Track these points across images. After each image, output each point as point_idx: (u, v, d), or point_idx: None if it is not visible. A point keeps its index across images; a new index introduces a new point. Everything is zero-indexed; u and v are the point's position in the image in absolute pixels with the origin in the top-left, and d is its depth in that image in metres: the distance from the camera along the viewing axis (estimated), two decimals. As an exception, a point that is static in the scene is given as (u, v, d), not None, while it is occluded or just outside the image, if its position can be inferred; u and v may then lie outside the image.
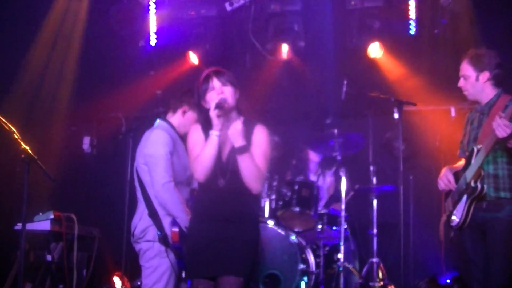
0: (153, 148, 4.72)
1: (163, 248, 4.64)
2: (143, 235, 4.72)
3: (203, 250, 4.06)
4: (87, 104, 8.26)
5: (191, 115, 4.91)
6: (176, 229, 4.58)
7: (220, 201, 4.08)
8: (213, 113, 4.00)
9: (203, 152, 4.05)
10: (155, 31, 7.89)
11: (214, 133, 4.04)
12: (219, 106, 4.02)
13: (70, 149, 8.42)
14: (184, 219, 4.54)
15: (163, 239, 4.63)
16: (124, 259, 6.09)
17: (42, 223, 5.70)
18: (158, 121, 4.96)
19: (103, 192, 7.97)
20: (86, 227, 6.15)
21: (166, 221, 4.67)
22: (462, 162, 4.78)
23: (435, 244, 6.60)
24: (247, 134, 4.13)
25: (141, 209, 4.80)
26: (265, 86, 7.99)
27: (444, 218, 4.83)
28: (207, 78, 4.15)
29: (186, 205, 4.71)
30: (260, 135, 4.19)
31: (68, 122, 8.47)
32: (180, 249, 4.56)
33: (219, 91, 4.09)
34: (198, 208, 4.23)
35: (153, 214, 4.69)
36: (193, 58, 8.00)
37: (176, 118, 4.93)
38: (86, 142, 8.59)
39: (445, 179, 4.74)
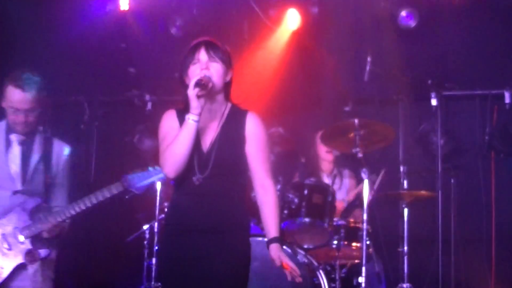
0: None
1: None
2: None
3: (180, 271, 4.03)
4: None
5: (10, 90, 4.96)
6: None
7: (197, 204, 4.06)
8: (192, 92, 3.99)
9: (176, 140, 4.04)
10: (127, -9, 7.87)
11: (191, 117, 4.01)
12: (200, 84, 4.00)
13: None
14: None
15: None
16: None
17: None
18: None
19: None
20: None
21: None
22: None
23: (482, 265, 6.58)
24: (237, 125, 4.16)
25: None
26: (267, 63, 7.95)
27: None
28: (195, 48, 4.16)
29: None
30: (255, 127, 4.20)
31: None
32: None
33: (203, 66, 4.10)
34: (171, 214, 4.23)
35: None
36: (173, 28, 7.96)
37: None
38: (38, 133, 8.54)
39: None
